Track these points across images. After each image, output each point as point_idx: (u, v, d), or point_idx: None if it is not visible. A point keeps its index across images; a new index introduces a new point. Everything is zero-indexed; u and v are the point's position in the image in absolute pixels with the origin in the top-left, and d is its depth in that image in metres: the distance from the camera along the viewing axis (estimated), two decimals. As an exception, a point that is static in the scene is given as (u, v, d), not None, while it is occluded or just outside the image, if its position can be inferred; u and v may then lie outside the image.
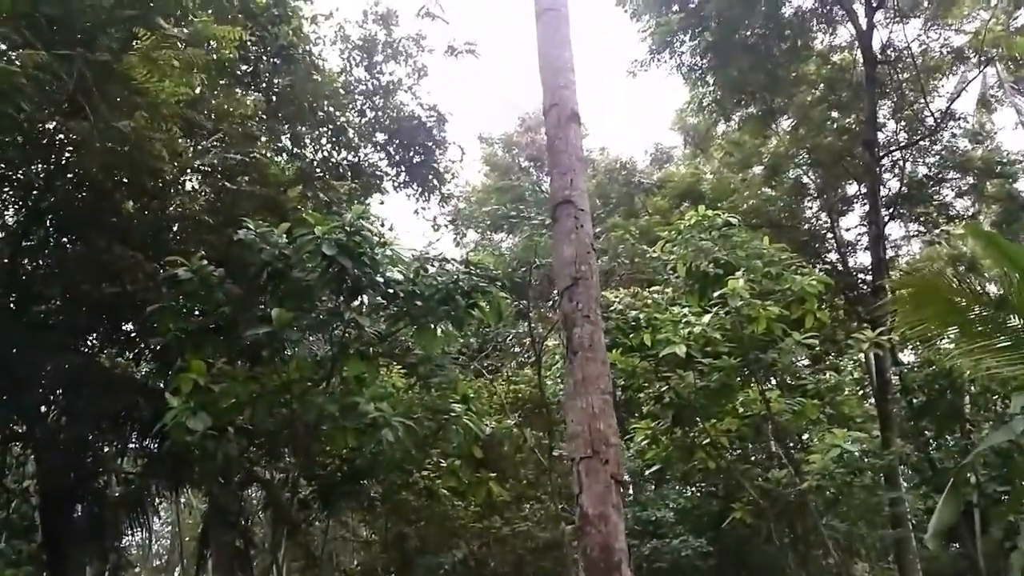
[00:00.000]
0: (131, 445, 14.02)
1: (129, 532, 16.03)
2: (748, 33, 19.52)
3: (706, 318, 10.53)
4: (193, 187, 10.58)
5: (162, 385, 11.54)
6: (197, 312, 9.47)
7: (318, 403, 9.33)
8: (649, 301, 11.54)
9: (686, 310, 11.02)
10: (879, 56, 19.05)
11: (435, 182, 15.31)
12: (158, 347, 11.17)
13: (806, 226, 23.04)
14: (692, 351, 10.41)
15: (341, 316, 9.58)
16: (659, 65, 19.92)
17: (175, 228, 11.11)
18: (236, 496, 14.01)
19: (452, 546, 13.84)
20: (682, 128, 24.05)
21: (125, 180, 10.35)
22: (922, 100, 20.15)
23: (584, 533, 6.16)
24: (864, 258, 22.55)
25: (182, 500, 21.80)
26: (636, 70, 19.98)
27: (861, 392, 20.44)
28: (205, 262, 9.13)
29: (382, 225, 12.43)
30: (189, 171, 10.19)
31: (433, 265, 10.27)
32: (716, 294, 10.66)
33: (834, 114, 21.62)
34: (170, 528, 28.12)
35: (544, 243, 12.41)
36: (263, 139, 12.43)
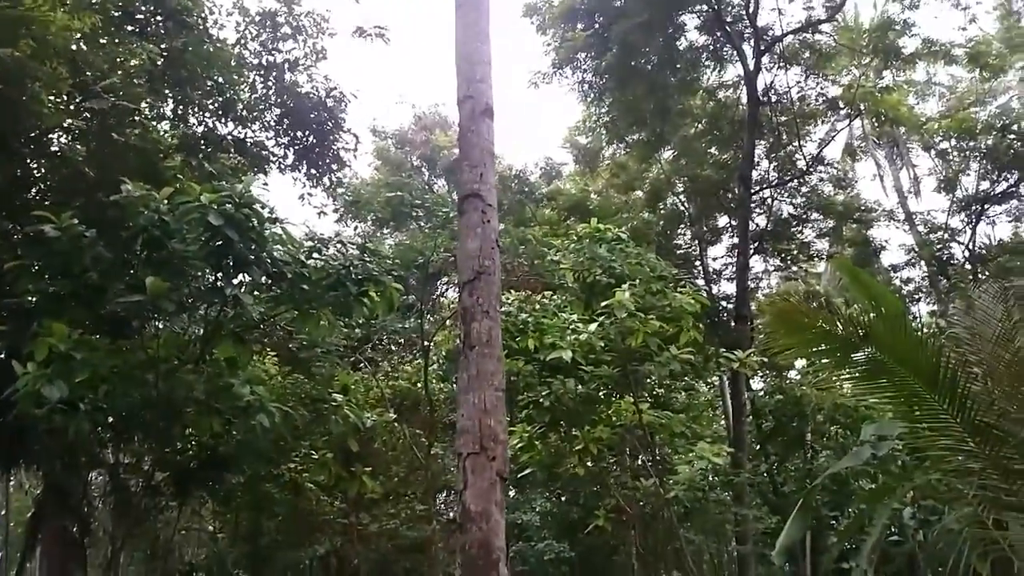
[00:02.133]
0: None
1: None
2: (645, 61, 20.21)
3: (592, 327, 10.74)
4: (70, 138, 9.74)
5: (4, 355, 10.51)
6: (60, 275, 8.72)
7: (188, 381, 8.80)
8: (538, 305, 11.66)
9: (574, 317, 11.21)
10: (761, 98, 20.18)
11: (328, 167, 14.85)
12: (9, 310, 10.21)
13: (679, 252, 24.04)
14: (576, 357, 10.59)
15: (221, 292, 9.07)
16: (560, 80, 20.31)
17: (44, 182, 10.21)
18: (79, 479, 12.99)
19: (313, 542, 13.40)
20: (573, 146, 24.61)
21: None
22: (795, 143, 21.50)
23: (465, 530, 6.08)
24: (726, 287, 23.82)
25: (12, 480, 20.04)
26: (538, 82, 20.27)
27: (713, 413, 21.54)
28: (75, 221, 8.42)
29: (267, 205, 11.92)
30: (68, 120, 9.37)
31: (328, 248, 9.87)
32: (603, 304, 10.89)
33: (714, 149, 22.72)
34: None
35: (435, 241, 12.30)
36: (147, 99, 11.68)
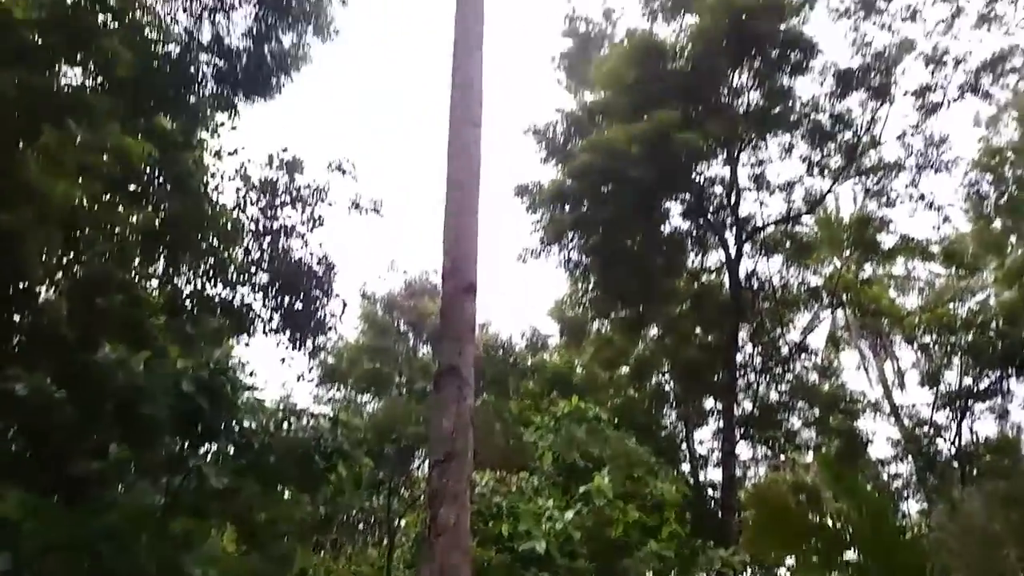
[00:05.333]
0: None
1: None
2: (630, 242, 20.84)
3: (569, 514, 10.32)
4: (56, 296, 9.74)
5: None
6: (25, 435, 8.42)
7: (138, 556, 8.27)
8: (514, 488, 11.25)
9: (550, 502, 10.78)
10: (744, 284, 20.67)
11: (312, 333, 14.82)
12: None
13: (664, 433, 23.67)
14: (551, 549, 10.07)
15: (185, 463, 8.77)
16: (548, 257, 20.82)
17: (24, 334, 10.08)
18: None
19: None
20: (560, 318, 24.86)
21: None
22: (779, 331, 21.76)
23: None
24: (713, 473, 23.27)
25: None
26: (527, 257, 20.77)
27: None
28: (48, 381, 8.23)
29: (245, 369, 11.77)
30: (57, 279, 9.42)
31: (300, 418, 9.64)
32: (581, 489, 10.54)
33: (699, 330, 22.95)
34: None
35: (413, 411, 12.06)
36: (139, 259, 11.82)
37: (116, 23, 9.42)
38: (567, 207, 20.65)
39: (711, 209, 21.50)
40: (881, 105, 20.42)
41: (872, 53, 20.19)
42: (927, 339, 23.71)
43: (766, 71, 19.78)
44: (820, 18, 20.36)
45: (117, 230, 10.14)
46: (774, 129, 20.58)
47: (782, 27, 19.35)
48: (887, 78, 20.06)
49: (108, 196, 10.47)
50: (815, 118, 20.50)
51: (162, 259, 13.26)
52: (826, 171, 21.18)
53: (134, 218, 10.69)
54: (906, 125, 20.83)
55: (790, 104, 20.42)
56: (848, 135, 20.69)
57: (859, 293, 20.78)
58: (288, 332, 15.10)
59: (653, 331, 23.45)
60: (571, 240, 21.05)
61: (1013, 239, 22.79)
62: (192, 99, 12.97)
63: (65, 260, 9.90)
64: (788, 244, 21.79)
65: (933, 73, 20.24)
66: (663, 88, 19.22)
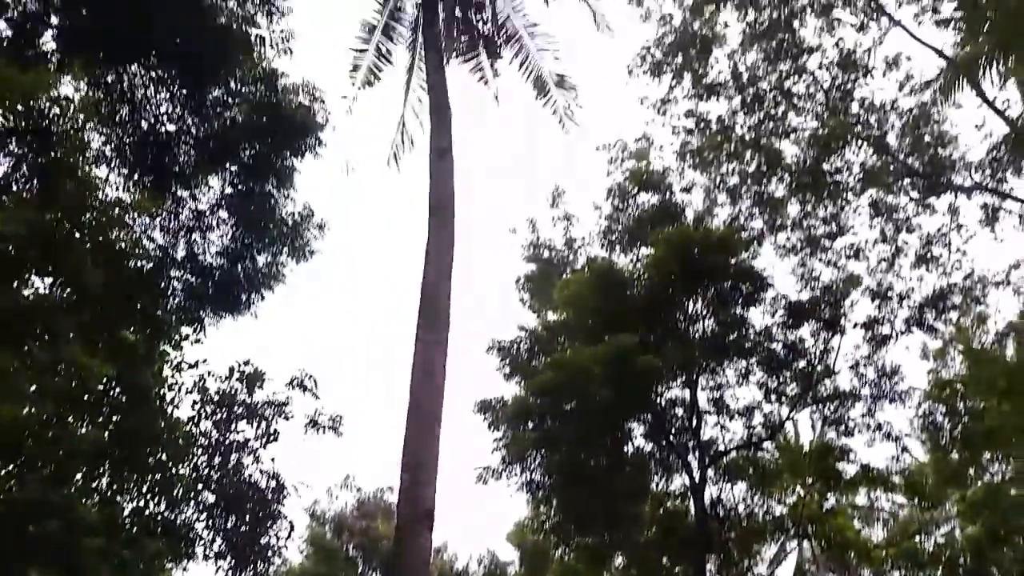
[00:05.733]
0: None
1: None
2: (594, 463, 20.48)
3: None
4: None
5: None
6: None
7: None
8: None
9: None
10: (709, 511, 20.18)
11: (255, 559, 13.94)
12: None
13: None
14: None
15: None
16: (509, 477, 20.29)
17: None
18: None
19: None
20: (520, 544, 23.82)
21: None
22: (746, 562, 21.01)
23: None
24: None
25: None
26: (487, 478, 20.20)
27: None
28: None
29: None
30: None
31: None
32: None
33: (666, 560, 22.06)
34: None
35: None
36: (80, 476, 11.25)
37: (89, 242, 9.59)
38: (530, 424, 20.47)
39: (673, 431, 21.44)
40: (833, 336, 21.22)
41: (820, 287, 21.30)
42: (896, 574, 23.04)
43: (720, 301, 20.63)
44: (769, 252, 21.64)
45: (62, 451, 9.67)
46: (731, 356, 21.10)
47: (733, 260, 20.46)
48: (836, 311, 20.99)
49: (58, 414, 10.12)
50: (769, 347, 21.13)
51: (106, 476, 12.68)
52: (784, 398, 21.50)
53: (83, 431, 10.29)
54: (858, 355, 21.55)
55: (745, 332, 21.10)
56: (803, 363, 21.24)
57: (824, 524, 20.39)
58: (230, 558, 14.22)
59: (619, 560, 22.49)
60: (534, 459, 20.67)
61: (971, 471, 22.92)
62: (159, 312, 13.03)
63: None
64: (751, 470, 21.60)
65: (879, 307, 21.26)
66: (623, 312, 19.85)
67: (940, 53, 17.19)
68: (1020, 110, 16.96)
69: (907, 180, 19.12)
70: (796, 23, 17.03)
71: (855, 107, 17.91)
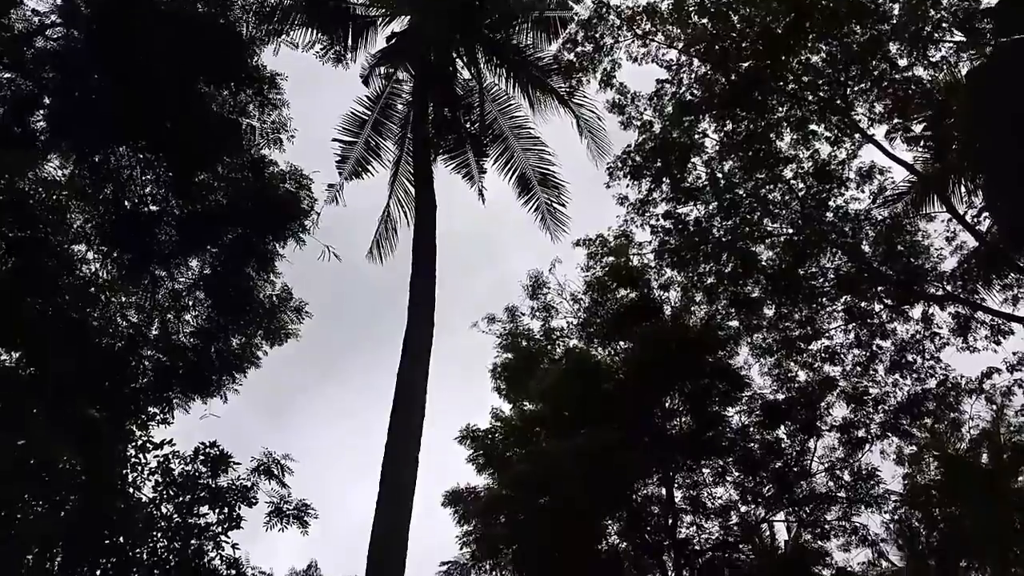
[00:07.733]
0: None
1: None
2: (566, 561, 20.01)
3: None
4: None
5: None
6: None
7: None
8: None
9: None
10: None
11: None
12: None
13: None
14: None
15: None
16: (479, 575, 19.84)
17: None
18: None
19: None
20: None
21: None
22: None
23: None
24: None
25: None
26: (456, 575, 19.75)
27: None
28: None
29: None
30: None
31: None
32: None
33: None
34: None
35: None
36: (32, 560, 10.93)
37: (62, 320, 9.62)
38: (502, 518, 20.09)
39: (648, 529, 21.09)
40: (809, 437, 21.18)
41: (796, 388, 21.35)
42: None
43: (697, 398, 20.63)
44: (745, 352, 21.73)
45: (13, 532, 9.45)
46: (707, 454, 20.96)
47: (710, 359, 20.57)
48: (812, 412, 21.01)
49: (12, 496, 9.94)
50: (746, 446, 21.03)
51: (59, 560, 12.32)
52: (760, 499, 21.28)
53: (39, 510, 10.06)
54: (834, 458, 21.44)
55: (721, 430, 21.03)
56: (779, 464, 21.11)
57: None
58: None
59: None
60: (506, 552, 20.20)
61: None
62: (127, 391, 12.92)
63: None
64: (727, 572, 21.16)
65: (855, 411, 21.28)
66: (599, 406, 19.76)
67: (911, 169, 17.74)
68: (989, 224, 17.39)
69: (880, 288, 19.41)
70: (772, 135, 17.60)
71: (829, 215, 18.34)
